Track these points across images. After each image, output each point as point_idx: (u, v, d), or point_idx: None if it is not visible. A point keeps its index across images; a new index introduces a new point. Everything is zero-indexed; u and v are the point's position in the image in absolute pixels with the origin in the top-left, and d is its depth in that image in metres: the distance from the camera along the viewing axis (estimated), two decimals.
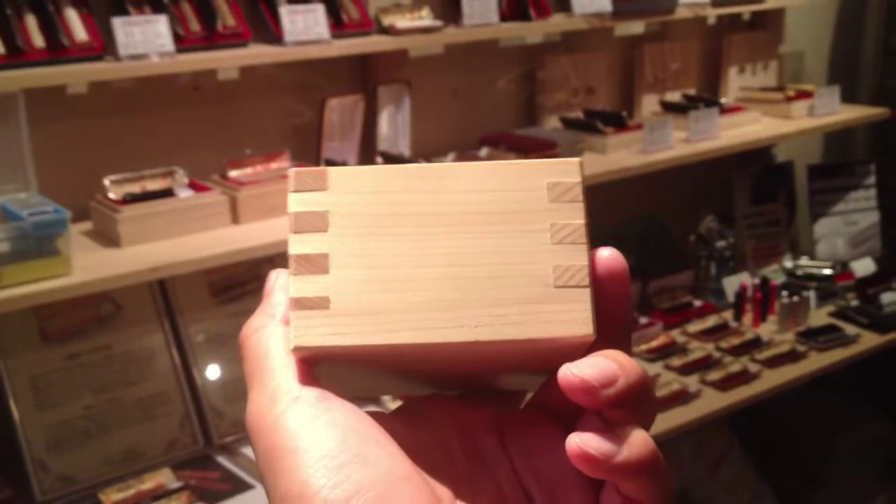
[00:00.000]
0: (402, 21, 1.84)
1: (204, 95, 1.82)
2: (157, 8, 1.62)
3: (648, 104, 2.41)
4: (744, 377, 2.08)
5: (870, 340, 2.27)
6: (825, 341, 2.23)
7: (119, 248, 1.56)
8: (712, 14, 2.35)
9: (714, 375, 2.08)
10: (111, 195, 1.60)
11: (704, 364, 2.13)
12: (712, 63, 2.55)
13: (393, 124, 1.98)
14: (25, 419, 1.62)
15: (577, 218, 0.36)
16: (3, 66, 1.48)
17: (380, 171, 0.36)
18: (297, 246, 0.35)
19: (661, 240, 2.51)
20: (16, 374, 1.62)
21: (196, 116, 1.82)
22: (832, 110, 2.43)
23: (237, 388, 1.80)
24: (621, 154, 2.09)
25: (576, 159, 0.36)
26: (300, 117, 1.94)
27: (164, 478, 1.65)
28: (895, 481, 2.56)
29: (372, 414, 0.36)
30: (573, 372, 0.33)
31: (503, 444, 0.37)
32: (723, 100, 2.42)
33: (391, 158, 1.91)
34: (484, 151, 2.04)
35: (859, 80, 2.99)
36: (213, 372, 1.79)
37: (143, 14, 1.60)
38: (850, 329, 2.31)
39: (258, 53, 1.70)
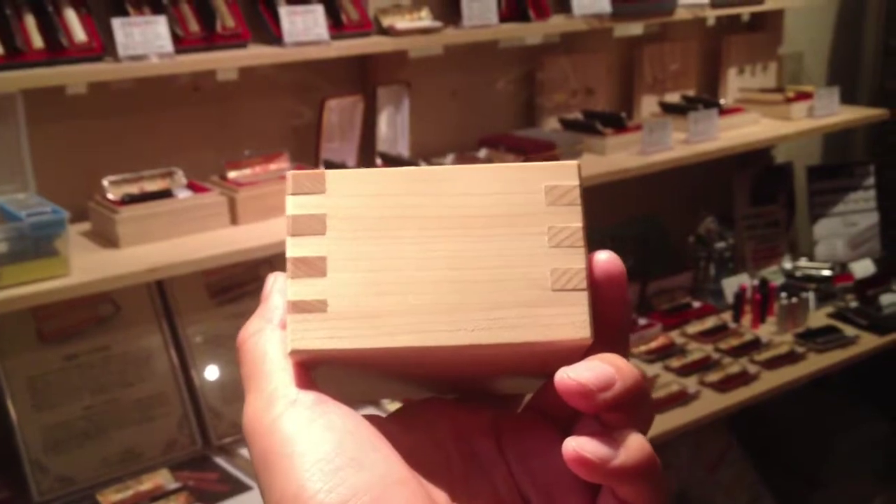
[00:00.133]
0: (401, 22, 1.84)
1: (203, 96, 1.82)
2: (157, 9, 1.62)
3: (648, 105, 2.41)
4: (743, 378, 2.08)
5: (869, 342, 2.27)
6: (824, 342, 2.23)
7: (117, 248, 1.56)
8: (711, 15, 2.35)
9: (713, 376, 2.08)
10: (110, 196, 1.60)
11: (703, 365, 2.13)
12: (711, 64, 2.55)
13: (392, 125, 1.97)
14: (23, 420, 1.62)
15: (574, 221, 0.35)
16: (2, 66, 1.48)
17: (378, 174, 0.36)
18: (295, 249, 0.35)
19: (660, 241, 2.51)
20: (14, 375, 1.62)
21: (195, 117, 1.82)
22: (831, 111, 2.43)
23: (235, 389, 1.80)
24: (620, 155, 2.09)
25: (574, 162, 0.36)
26: (299, 118, 1.94)
27: (163, 479, 1.65)
28: (894, 482, 2.56)
29: (368, 417, 0.36)
30: (570, 375, 0.33)
31: (500, 448, 0.37)
32: (722, 101, 2.42)
33: (390, 159, 1.90)
34: (483, 152, 2.03)
35: (859, 82, 2.99)
36: (211, 373, 1.79)
37: (142, 15, 1.60)
38: (849, 330, 2.30)
39: (257, 54, 1.70)
